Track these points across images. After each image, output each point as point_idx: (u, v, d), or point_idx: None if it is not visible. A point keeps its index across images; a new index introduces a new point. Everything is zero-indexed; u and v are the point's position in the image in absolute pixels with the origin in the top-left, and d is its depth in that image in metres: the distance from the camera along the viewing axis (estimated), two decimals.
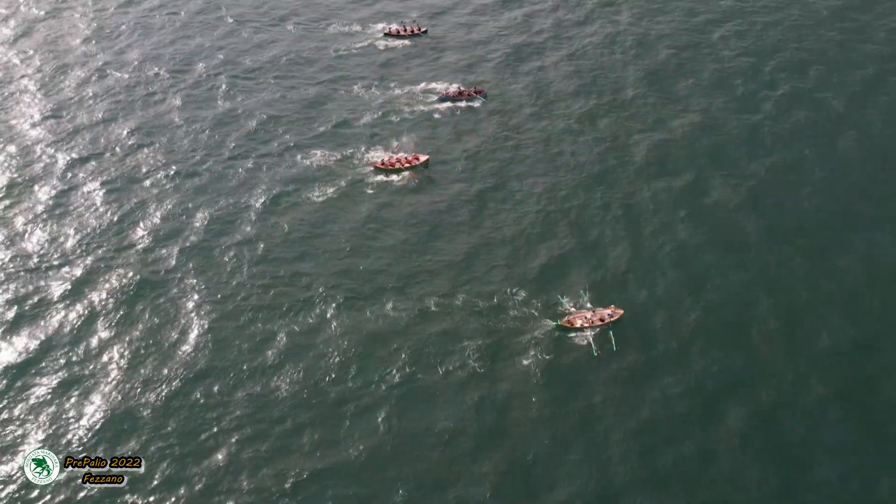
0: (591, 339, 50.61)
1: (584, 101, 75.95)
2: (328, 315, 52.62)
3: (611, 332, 50.92)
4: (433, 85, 76.99)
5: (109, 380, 48.23)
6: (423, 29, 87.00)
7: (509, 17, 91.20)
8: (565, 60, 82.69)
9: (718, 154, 68.52)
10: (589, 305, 53.04)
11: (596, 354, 49.88)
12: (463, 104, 74.32)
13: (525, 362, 49.42)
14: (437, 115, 73.03)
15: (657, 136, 71.06)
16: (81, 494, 42.34)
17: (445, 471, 44.00)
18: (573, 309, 52.63)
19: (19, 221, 59.86)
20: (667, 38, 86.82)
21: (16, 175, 64.56)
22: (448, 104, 74.28)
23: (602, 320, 51.71)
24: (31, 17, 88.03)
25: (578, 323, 51.28)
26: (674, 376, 49.14)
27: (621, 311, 52.41)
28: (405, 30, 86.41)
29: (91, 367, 48.97)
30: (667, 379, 48.97)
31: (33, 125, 70.95)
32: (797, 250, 58.30)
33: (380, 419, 46.23)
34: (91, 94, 75.08)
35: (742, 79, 78.80)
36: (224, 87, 76.44)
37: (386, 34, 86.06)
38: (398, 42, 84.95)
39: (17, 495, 42.17)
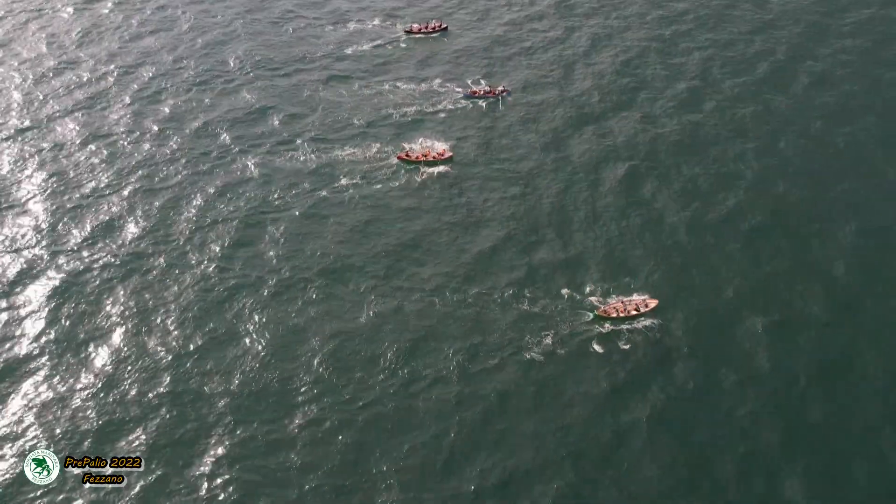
0: (625, 327, 49.63)
1: (611, 98, 73.77)
2: (366, 306, 51.09)
3: (647, 320, 50.01)
4: (456, 82, 75.44)
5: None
6: (443, 26, 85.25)
7: (532, 13, 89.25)
8: (590, 57, 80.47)
9: (767, 152, 66.12)
10: (624, 295, 51.58)
11: (626, 347, 48.80)
12: (487, 102, 72.72)
13: (566, 349, 48.29)
14: (461, 112, 71.37)
15: (683, 129, 68.89)
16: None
17: (493, 440, 43.59)
18: (609, 299, 51.26)
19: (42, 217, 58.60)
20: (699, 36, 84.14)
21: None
22: (473, 101, 72.73)
23: (637, 310, 50.28)
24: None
25: (614, 313, 50.07)
26: (709, 364, 48.03)
27: (655, 301, 50.98)
28: (426, 27, 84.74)
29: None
30: (701, 365, 47.84)
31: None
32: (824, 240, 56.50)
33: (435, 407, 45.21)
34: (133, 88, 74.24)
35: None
36: (251, 83, 75.31)
37: (407, 32, 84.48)
38: (419, 40, 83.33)
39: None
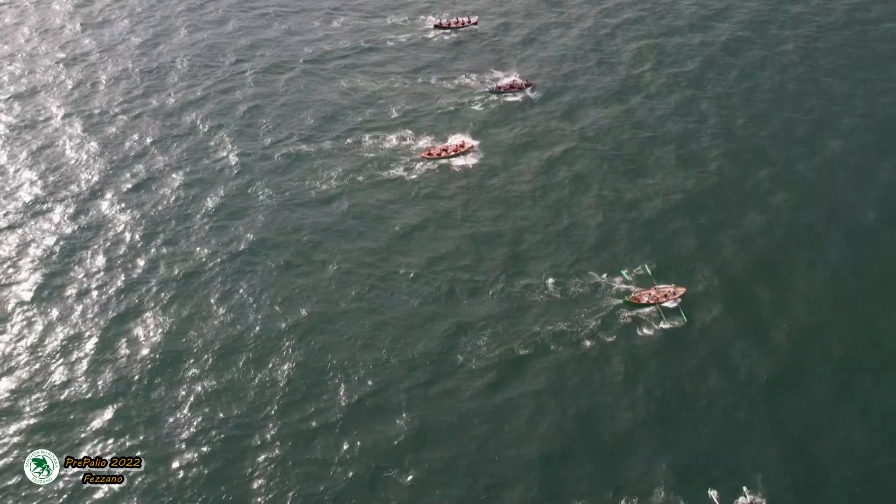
0: (655, 314, 48.54)
1: (641, 91, 71.33)
2: (410, 296, 50.54)
3: (677, 307, 48.89)
4: (483, 76, 73.71)
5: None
6: (473, 21, 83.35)
7: (562, 9, 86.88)
8: (621, 52, 77.91)
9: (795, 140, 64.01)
10: (654, 282, 50.03)
11: (660, 327, 47.95)
12: (513, 96, 70.95)
13: (598, 335, 47.41)
14: (487, 106, 69.58)
15: (721, 122, 66.70)
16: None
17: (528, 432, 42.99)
18: (640, 287, 49.99)
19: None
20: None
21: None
22: (498, 95, 70.98)
23: (666, 296, 48.78)
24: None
25: (644, 299, 48.74)
26: (737, 349, 47.06)
27: (683, 289, 49.65)
28: (456, 22, 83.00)
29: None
30: (732, 350, 46.98)
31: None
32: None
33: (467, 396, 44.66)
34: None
35: None
36: (283, 78, 74.81)
37: (436, 26, 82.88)
38: (448, 34, 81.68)
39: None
